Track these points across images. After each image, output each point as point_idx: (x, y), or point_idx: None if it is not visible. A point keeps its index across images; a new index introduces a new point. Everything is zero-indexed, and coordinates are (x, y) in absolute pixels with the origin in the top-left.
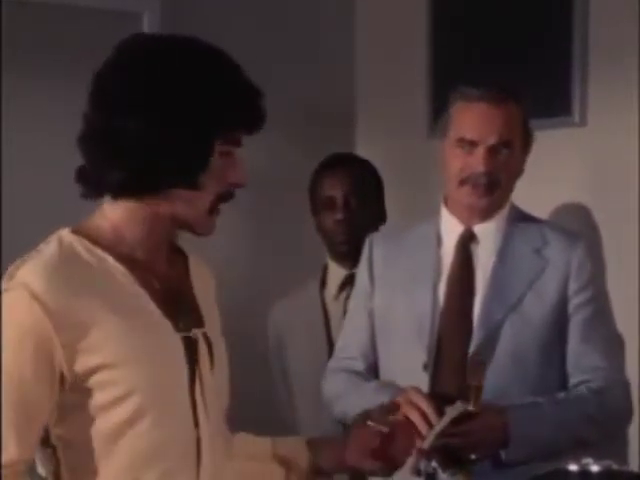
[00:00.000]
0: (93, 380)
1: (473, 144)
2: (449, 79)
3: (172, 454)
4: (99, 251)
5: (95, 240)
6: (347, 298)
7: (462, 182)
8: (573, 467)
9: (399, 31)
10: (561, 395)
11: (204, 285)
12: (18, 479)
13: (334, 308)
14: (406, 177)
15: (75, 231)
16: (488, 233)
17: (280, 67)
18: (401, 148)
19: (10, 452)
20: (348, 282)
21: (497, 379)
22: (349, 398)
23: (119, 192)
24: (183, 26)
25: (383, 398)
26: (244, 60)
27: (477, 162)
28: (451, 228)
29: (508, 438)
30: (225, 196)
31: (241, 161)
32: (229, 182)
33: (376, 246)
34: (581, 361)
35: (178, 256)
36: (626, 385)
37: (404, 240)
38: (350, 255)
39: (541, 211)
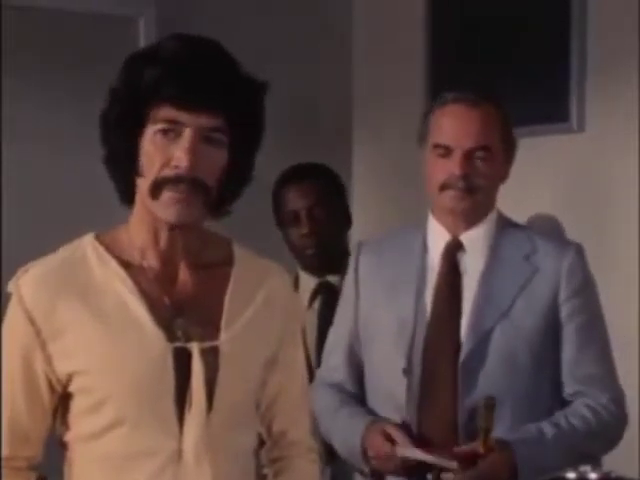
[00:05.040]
0: (73, 386)
1: (449, 149)
2: (447, 81)
3: (149, 464)
4: (107, 256)
5: (109, 246)
6: (322, 306)
7: (442, 188)
8: (571, 475)
9: (397, 32)
10: (561, 417)
11: (260, 297)
12: (18, 473)
13: (307, 318)
14: (403, 178)
15: (98, 236)
16: (475, 241)
17: (278, 68)
18: (398, 149)
19: (5, 448)
20: (320, 290)
21: (489, 387)
22: (326, 422)
23: (120, 199)
24: (179, 30)
25: (354, 429)
26: (242, 62)
27: (454, 166)
28: (438, 237)
29: (516, 474)
30: (165, 179)
31: (187, 141)
32: (162, 163)
33: (363, 253)
34: (575, 370)
35: (223, 265)
36: (620, 393)
37: (390, 247)
38: (321, 265)
39: (534, 215)
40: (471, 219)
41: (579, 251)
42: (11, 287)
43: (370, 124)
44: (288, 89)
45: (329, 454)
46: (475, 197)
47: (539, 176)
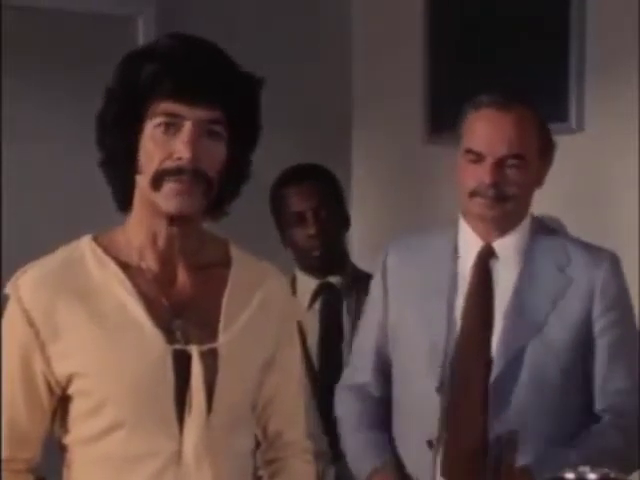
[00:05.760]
0: (72, 388)
1: (481, 156)
2: (446, 82)
3: (149, 466)
4: (106, 258)
5: (107, 247)
6: (324, 307)
7: (472, 194)
8: (570, 475)
9: (397, 33)
10: (589, 441)
11: (257, 299)
12: (17, 476)
13: (308, 319)
14: (403, 179)
15: (95, 237)
16: (508, 249)
17: (277, 70)
18: (398, 150)
19: (4, 451)
20: (322, 291)
21: (519, 406)
22: (344, 434)
23: (117, 205)
24: (178, 30)
25: (362, 464)
26: (242, 63)
27: (484, 174)
28: (470, 243)
29: None
30: (167, 170)
31: (187, 134)
32: (163, 157)
33: (391, 256)
34: (607, 386)
35: (220, 267)
36: None
37: (420, 252)
38: (323, 266)
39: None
40: (502, 226)
41: (614, 261)
42: (9, 289)
43: (370, 124)
44: (288, 89)
45: (333, 454)
46: (505, 205)
47: None
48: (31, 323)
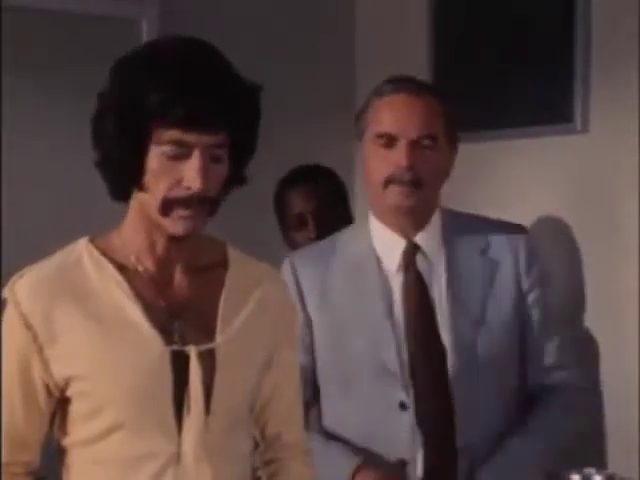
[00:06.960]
0: (71, 390)
1: (394, 139)
2: (449, 81)
3: (148, 467)
4: (103, 260)
5: (104, 250)
6: None
7: (386, 183)
8: (575, 476)
9: (399, 31)
10: (537, 420)
11: (255, 299)
12: (17, 479)
13: None
14: None
15: (92, 239)
16: (431, 241)
17: (280, 67)
18: None
19: (3, 455)
20: None
21: (466, 393)
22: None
23: (113, 196)
24: (181, 32)
25: (347, 462)
26: (243, 63)
27: (399, 157)
28: (391, 243)
29: None
30: (178, 199)
31: (197, 162)
32: (171, 183)
33: (302, 271)
34: (542, 361)
35: (218, 268)
36: (586, 375)
37: (336, 263)
38: None
39: (541, 216)
40: (420, 218)
41: (527, 236)
42: (6, 293)
43: None
44: (288, 89)
45: None
46: (421, 193)
47: (543, 176)
48: (29, 327)
